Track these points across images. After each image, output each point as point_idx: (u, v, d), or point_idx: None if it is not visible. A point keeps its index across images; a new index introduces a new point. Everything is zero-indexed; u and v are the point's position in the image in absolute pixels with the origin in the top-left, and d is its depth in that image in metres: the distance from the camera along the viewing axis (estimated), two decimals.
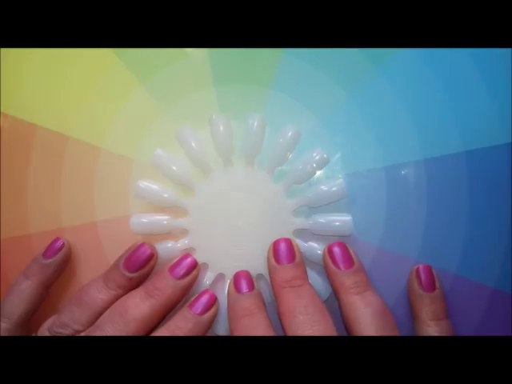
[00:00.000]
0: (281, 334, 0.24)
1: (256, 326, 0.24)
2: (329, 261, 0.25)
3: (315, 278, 0.27)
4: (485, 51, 0.28)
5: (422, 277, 0.26)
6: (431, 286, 0.26)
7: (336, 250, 0.26)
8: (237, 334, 0.24)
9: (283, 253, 0.25)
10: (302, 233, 0.28)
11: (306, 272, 0.25)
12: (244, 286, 0.25)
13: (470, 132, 0.28)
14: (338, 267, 0.25)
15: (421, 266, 0.27)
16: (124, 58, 0.30)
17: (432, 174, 0.28)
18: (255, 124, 0.27)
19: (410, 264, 0.28)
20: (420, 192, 0.28)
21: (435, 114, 0.28)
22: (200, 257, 0.28)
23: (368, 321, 0.23)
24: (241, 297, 0.25)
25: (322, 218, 0.27)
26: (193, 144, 0.27)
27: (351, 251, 0.26)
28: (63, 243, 0.28)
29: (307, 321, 0.23)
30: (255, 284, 0.26)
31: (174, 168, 0.27)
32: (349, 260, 0.25)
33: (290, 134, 0.27)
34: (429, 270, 0.27)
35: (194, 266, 0.26)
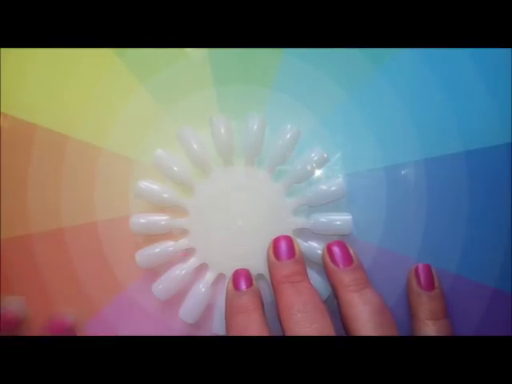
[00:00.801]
0: (277, 332, 0.24)
1: (250, 323, 0.24)
2: (328, 259, 0.25)
3: (315, 278, 0.27)
4: (485, 51, 0.28)
5: (421, 275, 0.26)
6: (430, 284, 0.26)
7: (335, 248, 0.26)
8: (231, 331, 0.24)
9: (283, 249, 0.25)
10: (302, 232, 0.28)
11: (305, 269, 0.25)
12: (242, 284, 0.25)
13: (469, 132, 0.28)
14: (337, 265, 0.25)
15: (420, 265, 0.27)
16: (124, 58, 0.30)
17: (432, 174, 0.28)
18: (255, 124, 0.27)
19: (410, 264, 0.28)
20: (420, 192, 0.28)
21: (435, 114, 0.28)
22: (200, 257, 0.28)
23: (366, 318, 0.23)
24: (238, 294, 0.25)
25: (323, 218, 0.27)
26: (193, 144, 0.27)
27: (350, 250, 0.26)
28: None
29: (305, 319, 0.23)
30: (254, 282, 0.26)
31: (175, 168, 0.28)
32: (348, 258, 0.25)
33: (288, 135, 0.27)
34: (428, 268, 0.27)
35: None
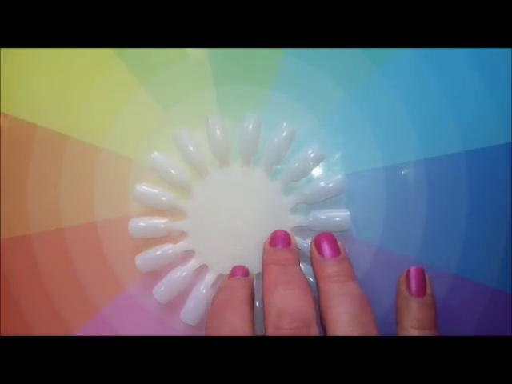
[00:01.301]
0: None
1: (232, 298, 0.24)
2: (314, 249, 0.25)
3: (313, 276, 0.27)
4: (485, 51, 0.28)
5: (412, 279, 0.24)
6: (420, 290, 0.24)
7: (322, 239, 0.25)
8: (212, 305, 0.24)
9: (279, 238, 0.25)
10: (300, 231, 0.28)
11: (298, 259, 0.25)
12: (237, 274, 0.26)
13: (470, 132, 0.28)
14: (322, 255, 0.24)
15: (412, 268, 0.24)
16: (124, 58, 0.30)
17: (432, 173, 0.28)
18: (250, 124, 0.27)
19: (411, 263, 0.28)
20: (420, 192, 0.28)
21: (435, 114, 0.28)
22: (199, 259, 0.28)
23: (343, 309, 0.22)
24: (230, 280, 0.25)
25: (322, 215, 0.27)
26: (189, 146, 0.27)
27: (338, 242, 0.25)
28: None
29: (288, 295, 0.22)
30: (250, 275, 0.26)
31: (172, 171, 0.28)
32: (334, 249, 0.25)
33: (284, 133, 0.27)
34: (420, 272, 0.24)
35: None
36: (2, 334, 0.29)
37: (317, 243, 0.25)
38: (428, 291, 0.24)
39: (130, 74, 0.30)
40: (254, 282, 0.27)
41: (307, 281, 0.24)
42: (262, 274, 0.24)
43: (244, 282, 0.25)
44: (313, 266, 0.25)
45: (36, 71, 0.30)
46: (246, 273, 0.26)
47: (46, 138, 0.30)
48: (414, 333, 0.23)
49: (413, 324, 0.23)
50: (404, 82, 0.29)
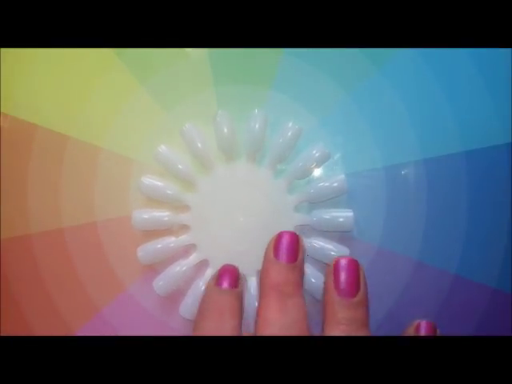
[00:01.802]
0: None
1: (221, 328, 0.22)
2: (331, 279, 0.21)
3: (317, 276, 0.27)
4: (485, 51, 0.28)
5: (422, 331, 0.23)
6: None
7: (344, 268, 0.21)
8: (197, 325, 0.23)
9: (286, 248, 0.22)
10: (302, 228, 0.28)
11: (302, 278, 0.22)
12: (225, 282, 0.23)
13: (469, 132, 0.28)
14: (338, 291, 0.21)
15: (423, 323, 0.23)
16: (124, 58, 0.30)
17: (432, 173, 0.28)
18: (257, 122, 0.27)
19: (411, 264, 0.28)
20: (420, 192, 0.28)
21: (435, 114, 0.28)
22: (201, 253, 0.28)
23: None
24: (216, 291, 0.23)
25: (326, 215, 0.27)
26: (197, 140, 0.28)
27: (361, 275, 0.21)
28: None
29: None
30: (240, 285, 0.24)
31: (178, 164, 0.28)
32: (354, 286, 0.21)
33: (290, 133, 0.27)
34: (431, 327, 0.23)
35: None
36: (2, 334, 0.29)
37: (336, 271, 0.21)
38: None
39: (130, 74, 0.30)
40: (254, 279, 0.27)
41: (307, 315, 0.21)
42: (259, 294, 0.22)
43: (232, 299, 0.23)
44: (324, 299, 0.21)
45: (36, 71, 0.30)
46: (235, 282, 0.23)
47: (46, 138, 0.30)
48: None
49: None
50: (404, 82, 0.29)
